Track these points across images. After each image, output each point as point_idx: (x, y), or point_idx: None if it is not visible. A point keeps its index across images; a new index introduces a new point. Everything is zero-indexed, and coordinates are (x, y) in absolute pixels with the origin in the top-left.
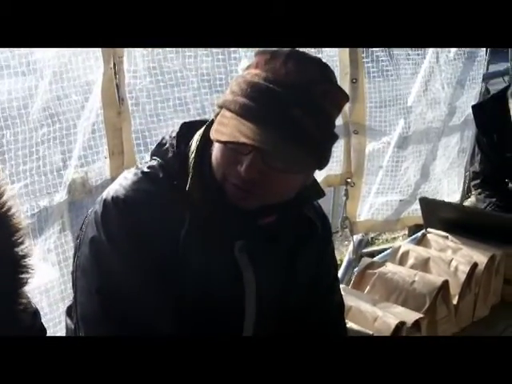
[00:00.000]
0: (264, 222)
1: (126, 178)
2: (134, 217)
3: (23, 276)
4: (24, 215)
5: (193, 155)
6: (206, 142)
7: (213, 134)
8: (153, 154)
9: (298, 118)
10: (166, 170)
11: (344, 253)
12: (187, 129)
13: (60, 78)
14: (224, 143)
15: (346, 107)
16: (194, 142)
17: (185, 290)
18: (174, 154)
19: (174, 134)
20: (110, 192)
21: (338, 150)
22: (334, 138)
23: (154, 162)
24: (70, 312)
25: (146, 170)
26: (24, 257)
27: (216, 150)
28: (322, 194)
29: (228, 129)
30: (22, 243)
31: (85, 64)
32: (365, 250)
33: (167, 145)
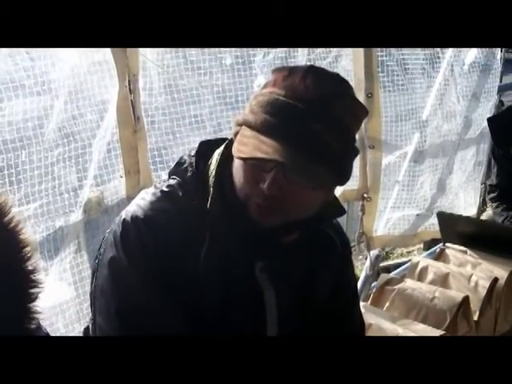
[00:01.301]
0: (286, 240)
1: (145, 198)
2: (154, 236)
3: (33, 291)
4: (39, 235)
5: (213, 173)
6: (225, 160)
7: (235, 152)
8: (171, 174)
9: (319, 132)
10: (185, 189)
11: (359, 268)
12: (206, 147)
13: (75, 98)
14: (246, 160)
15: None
16: (214, 161)
17: (205, 310)
18: (193, 173)
19: (192, 153)
20: (128, 212)
21: (355, 164)
22: (355, 152)
23: (173, 181)
24: (87, 333)
25: (165, 189)
26: (32, 272)
27: (237, 168)
28: (342, 211)
29: (249, 146)
30: (30, 258)
31: (100, 83)
32: (380, 265)
33: (186, 164)
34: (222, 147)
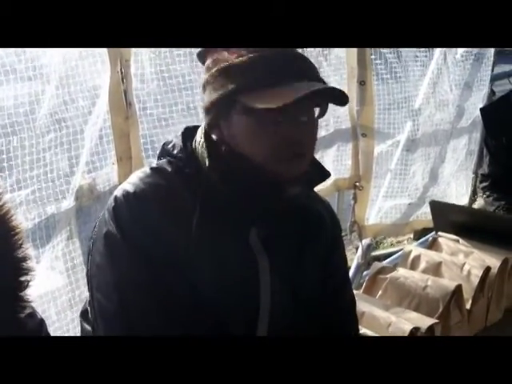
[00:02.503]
0: (289, 194)
1: (136, 175)
2: (146, 209)
3: (23, 279)
4: (30, 222)
5: (202, 140)
6: (211, 132)
7: (267, 104)
8: (159, 155)
9: (301, 55)
10: (174, 164)
11: (349, 257)
12: (191, 130)
13: (66, 83)
14: (278, 109)
15: (354, 110)
16: (199, 132)
17: (199, 278)
18: (180, 149)
19: (178, 134)
20: (119, 189)
21: (346, 153)
22: None
23: (162, 160)
24: (84, 315)
25: (154, 166)
26: (23, 259)
27: (254, 129)
28: (328, 173)
29: (268, 99)
30: (20, 246)
31: (91, 68)
32: (371, 254)
33: (172, 142)
34: (203, 124)
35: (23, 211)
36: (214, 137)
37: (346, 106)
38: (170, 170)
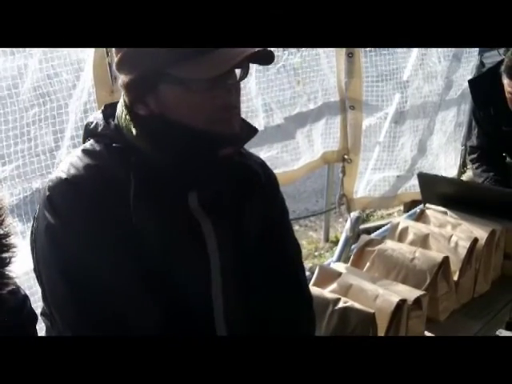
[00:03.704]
0: (223, 154)
1: (65, 161)
2: (80, 193)
3: (5, 255)
4: (16, 197)
5: (124, 113)
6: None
7: (200, 74)
8: (85, 137)
9: None
10: (101, 142)
11: (339, 230)
12: (110, 107)
13: (50, 57)
14: (214, 79)
15: (343, 83)
16: (119, 107)
17: (146, 251)
18: (104, 126)
19: (98, 113)
20: (52, 178)
21: (335, 126)
22: None
23: (89, 141)
24: (44, 313)
25: (80, 149)
26: (5, 236)
27: (189, 97)
28: (255, 129)
29: (203, 67)
30: (2, 222)
31: None
32: (360, 227)
33: (94, 122)
34: (122, 100)
35: (8, 186)
36: (139, 111)
37: (335, 79)
38: (98, 148)
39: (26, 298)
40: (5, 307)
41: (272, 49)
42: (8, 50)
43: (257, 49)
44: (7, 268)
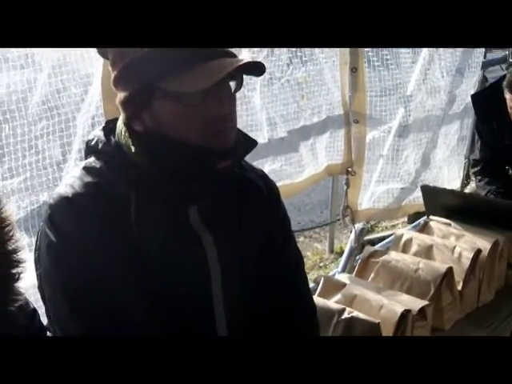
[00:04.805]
0: (221, 168)
1: (66, 179)
2: (82, 211)
3: (14, 271)
4: (23, 210)
5: (123, 130)
6: (132, 121)
7: (190, 87)
8: (86, 154)
9: None
10: (101, 159)
11: (344, 241)
12: (110, 124)
13: (59, 71)
14: (210, 88)
15: (347, 97)
16: (119, 124)
17: (148, 266)
18: (104, 143)
19: (99, 130)
20: (53, 197)
21: (339, 139)
22: None
23: (89, 158)
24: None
25: (81, 166)
26: (14, 251)
27: (179, 112)
28: (254, 141)
29: (193, 81)
30: (11, 238)
31: (84, 56)
32: (365, 238)
33: (95, 139)
34: (121, 117)
35: (16, 199)
36: (135, 127)
37: (339, 93)
38: (98, 165)
39: (34, 312)
40: (14, 323)
41: (277, 62)
42: (18, 63)
43: (245, 60)
44: (16, 284)
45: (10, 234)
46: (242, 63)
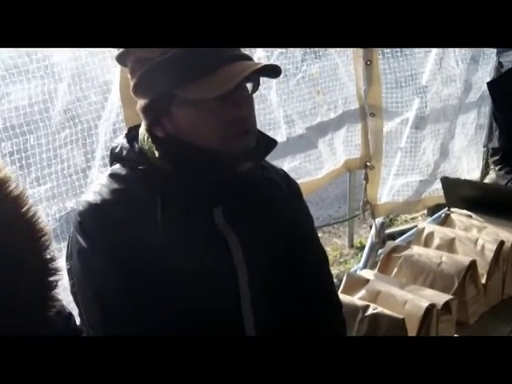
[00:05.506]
0: (243, 169)
1: (94, 186)
2: (110, 217)
3: (52, 279)
4: (51, 217)
5: (146, 136)
6: (153, 127)
7: (208, 94)
8: (111, 162)
9: None
10: (127, 166)
11: (363, 235)
12: (133, 131)
13: (78, 80)
14: (224, 95)
15: (362, 90)
16: (142, 130)
17: (176, 271)
18: (128, 150)
19: (122, 137)
20: (82, 204)
21: (356, 133)
22: None
23: (115, 165)
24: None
25: (107, 174)
26: (51, 260)
27: (199, 116)
28: (274, 141)
29: (211, 86)
30: (48, 247)
31: (102, 64)
32: (385, 232)
33: (119, 146)
34: (143, 123)
35: (43, 207)
36: (157, 133)
37: (354, 87)
38: (124, 172)
39: (70, 315)
40: (53, 328)
41: (291, 59)
42: (38, 75)
43: (261, 64)
44: (54, 291)
45: (47, 243)
46: (257, 67)
